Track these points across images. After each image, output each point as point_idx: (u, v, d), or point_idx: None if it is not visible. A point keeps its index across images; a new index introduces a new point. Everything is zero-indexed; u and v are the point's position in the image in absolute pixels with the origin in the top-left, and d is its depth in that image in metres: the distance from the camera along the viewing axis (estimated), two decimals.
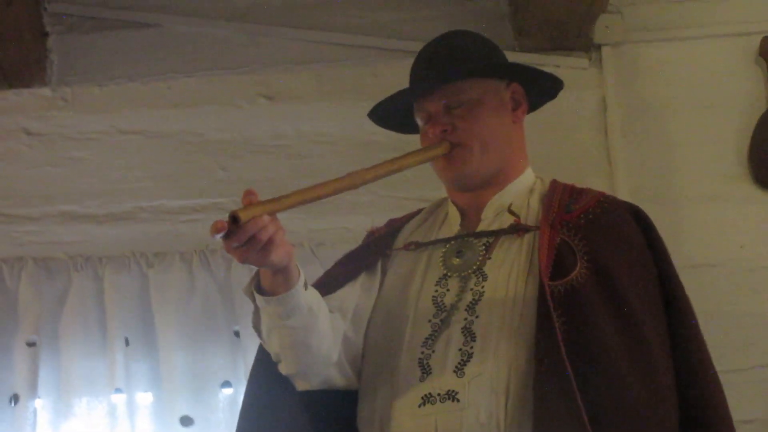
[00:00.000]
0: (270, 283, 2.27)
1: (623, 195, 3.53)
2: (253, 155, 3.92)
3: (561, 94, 2.70)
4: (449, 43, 2.59)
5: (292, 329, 2.31)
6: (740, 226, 3.74)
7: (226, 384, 3.68)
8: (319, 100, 3.95)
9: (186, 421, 3.63)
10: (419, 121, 2.60)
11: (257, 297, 2.31)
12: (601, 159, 3.81)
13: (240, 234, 2.11)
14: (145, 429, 3.65)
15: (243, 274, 3.41)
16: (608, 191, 2.71)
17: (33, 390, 3.64)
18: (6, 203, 3.90)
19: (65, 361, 3.66)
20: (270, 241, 2.15)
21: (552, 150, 3.66)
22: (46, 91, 3.99)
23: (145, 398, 3.69)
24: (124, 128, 3.96)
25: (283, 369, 2.41)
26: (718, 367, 2.43)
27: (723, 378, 2.42)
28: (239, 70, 3.99)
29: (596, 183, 2.73)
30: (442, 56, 2.56)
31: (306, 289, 2.31)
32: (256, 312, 2.36)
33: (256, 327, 2.39)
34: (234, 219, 2.09)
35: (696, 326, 2.45)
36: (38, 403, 3.67)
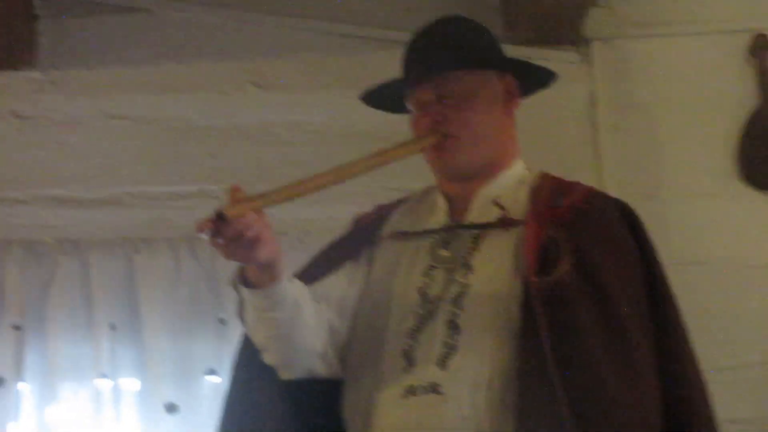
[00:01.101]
0: (255, 276, 2.27)
1: (611, 191, 3.50)
2: (242, 142, 3.90)
3: (550, 88, 2.68)
4: (443, 31, 2.57)
5: (276, 321, 2.32)
6: (728, 224, 3.72)
7: (212, 371, 3.68)
8: (308, 89, 3.93)
9: (171, 408, 3.63)
10: (411, 108, 2.57)
11: (242, 289, 2.31)
12: (589, 154, 3.80)
13: (226, 231, 2.11)
14: (129, 415, 3.65)
15: (229, 262, 3.38)
16: (596, 187, 2.70)
17: (18, 373, 3.64)
18: None
19: (51, 346, 3.66)
20: (256, 239, 2.15)
21: (540, 144, 3.60)
22: (35, 74, 3.97)
23: (130, 384, 3.69)
24: (113, 113, 3.94)
25: (267, 359, 2.41)
26: (704, 366, 2.42)
27: (710, 377, 2.42)
28: (229, 57, 3.98)
29: (584, 178, 2.71)
30: (435, 45, 2.54)
31: (291, 281, 2.31)
32: (241, 303, 2.36)
33: (241, 317, 2.39)
34: (220, 216, 2.08)
35: (683, 329, 2.44)
36: (23, 386, 3.66)
